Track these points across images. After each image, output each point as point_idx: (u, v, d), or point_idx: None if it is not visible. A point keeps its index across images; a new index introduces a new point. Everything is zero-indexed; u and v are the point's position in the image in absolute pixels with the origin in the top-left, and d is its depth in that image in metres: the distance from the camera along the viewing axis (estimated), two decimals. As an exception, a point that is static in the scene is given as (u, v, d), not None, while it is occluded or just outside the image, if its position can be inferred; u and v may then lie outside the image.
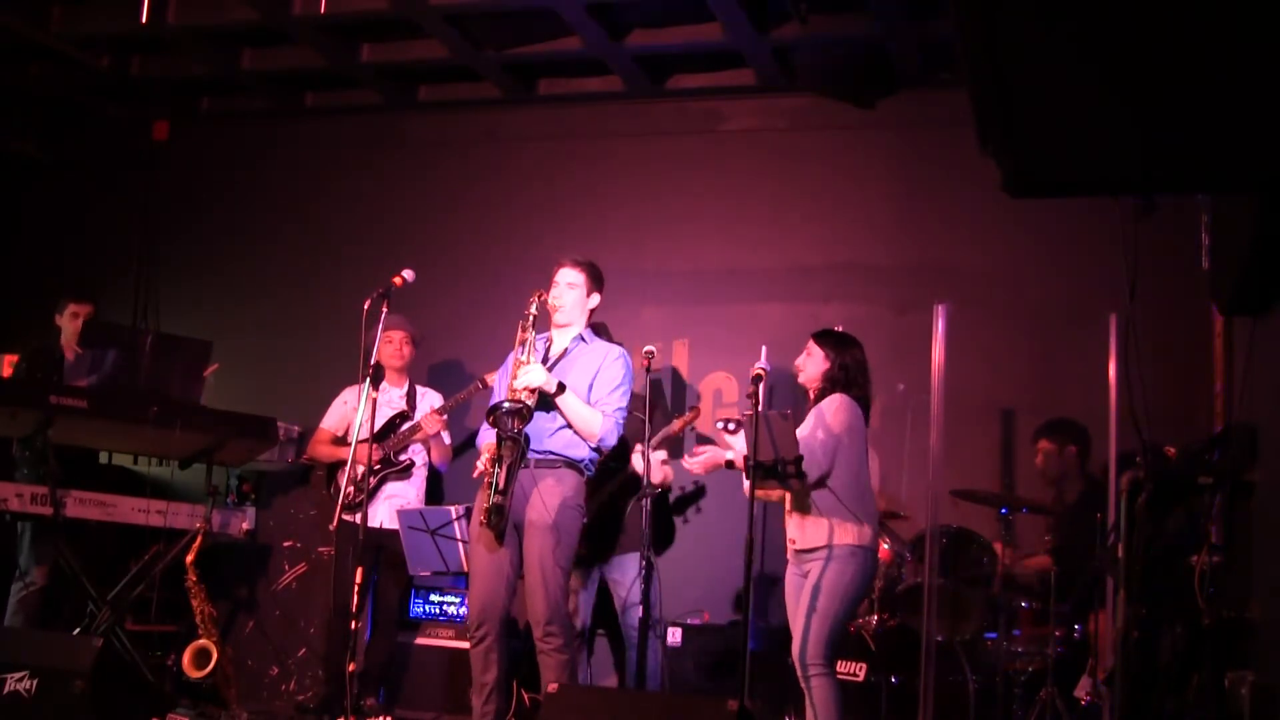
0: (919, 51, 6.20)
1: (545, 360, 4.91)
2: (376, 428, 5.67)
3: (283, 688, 6.79)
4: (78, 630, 5.71)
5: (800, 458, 4.35)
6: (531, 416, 4.64)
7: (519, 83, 7.03)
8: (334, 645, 5.74)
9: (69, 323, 6.24)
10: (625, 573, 5.68)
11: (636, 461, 5.66)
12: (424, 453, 6.24)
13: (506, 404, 4.64)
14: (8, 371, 6.30)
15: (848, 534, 4.46)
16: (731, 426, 4.91)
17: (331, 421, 6.31)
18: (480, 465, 4.72)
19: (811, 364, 4.72)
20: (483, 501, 4.65)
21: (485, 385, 6.01)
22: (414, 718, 6.01)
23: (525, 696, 5.73)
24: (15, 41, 6.86)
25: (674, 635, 5.83)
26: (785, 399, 6.03)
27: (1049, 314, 6.18)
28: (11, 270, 7.82)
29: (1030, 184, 2.39)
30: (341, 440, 6.20)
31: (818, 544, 4.49)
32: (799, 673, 4.45)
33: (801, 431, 4.47)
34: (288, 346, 7.27)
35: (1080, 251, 5.97)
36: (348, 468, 5.42)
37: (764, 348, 4.61)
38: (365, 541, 5.11)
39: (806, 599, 4.45)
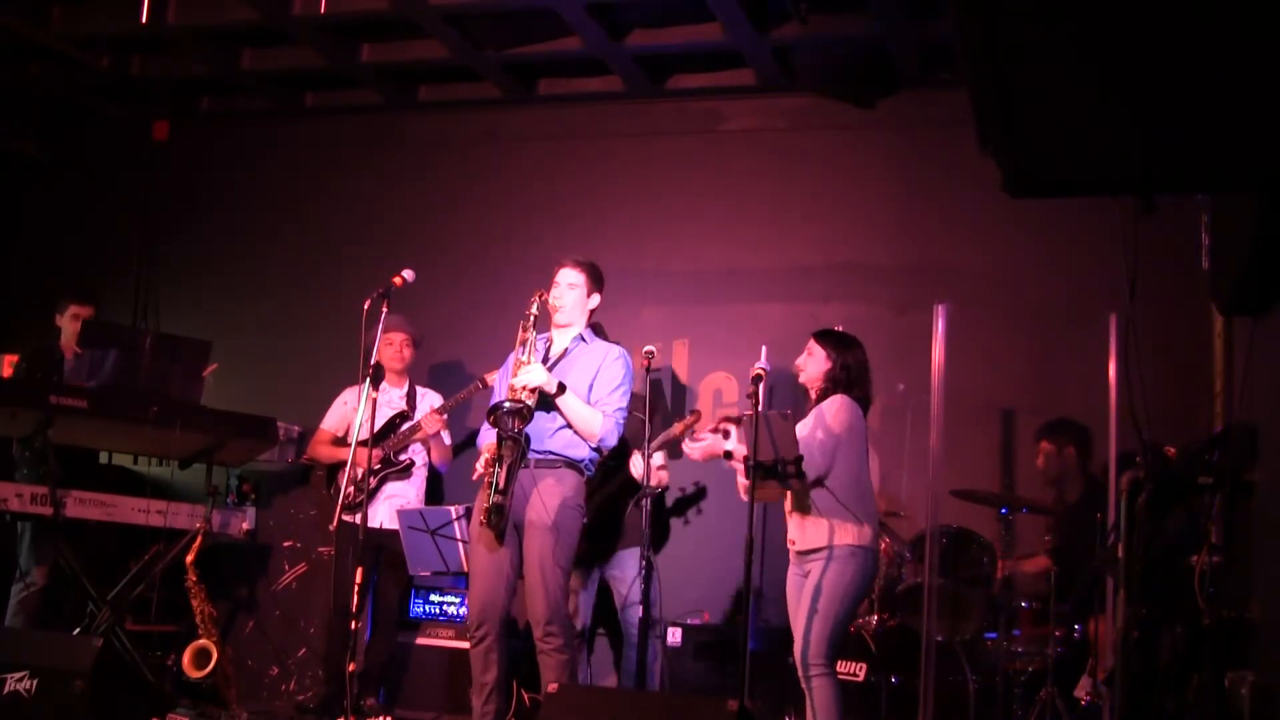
0: (919, 51, 6.20)
1: (545, 360, 4.91)
2: (376, 428, 5.67)
3: (283, 688, 6.78)
4: (78, 630, 5.70)
5: (800, 458, 4.35)
6: (532, 416, 4.64)
7: (519, 83, 7.03)
8: (334, 645, 5.74)
9: (69, 324, 6.24)
10: (625, 569, 5.69)
11: (634, 465, 5.66)
12: (424, 453, 6.25)
13: (507, 404, 4.63)
14: (8, 371, 6.29)
15: (848, 534, 4.46)
16: (727, 429, 4.89)
17: (331, 422, 6.32)
18: (480, 465, 4.72)
19: (813, 364, 4.72)
20: (483, 501, 4.65)
21: (485, 385, 6.01)
22: (414, 718, 6.01)
23: (525, 696, 5.73)
24: (15, 41, 6.86)
25: (674, 635, 5.83)
26: (785, 399, 6.03)
27: (1049, 314, 6.18)
28: (11, 270, 7.82)
29: (1030, 184, 2.39)
30: (341, 440, 6.20)
31: (818, 545, 4.49)
32: (800, 673, 4.45)
33: (802, 431, 4.48)
34: (288, 346, 7.27)
35: (1080, 251, 5.96)
36: (348, 468, 5.42)
37: (764, 348, 4.60)
38: (365, 541, 5.11)
39: (807, 599, 4.45)
